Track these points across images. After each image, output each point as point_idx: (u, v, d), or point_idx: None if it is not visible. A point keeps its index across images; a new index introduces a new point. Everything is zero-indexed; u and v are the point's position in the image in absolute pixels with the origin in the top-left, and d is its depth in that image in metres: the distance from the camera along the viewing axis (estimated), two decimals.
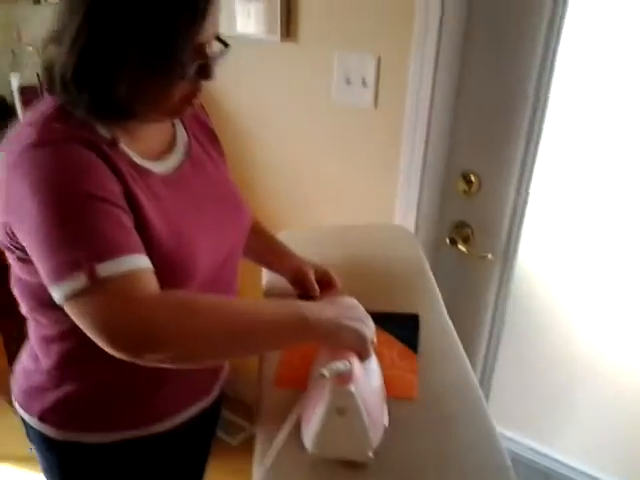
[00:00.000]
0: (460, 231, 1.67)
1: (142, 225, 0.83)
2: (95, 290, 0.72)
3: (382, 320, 1.14)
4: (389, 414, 0.90)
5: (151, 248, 0.82)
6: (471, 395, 0.98)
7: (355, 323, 0.84)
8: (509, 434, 1.82)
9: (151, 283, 0.77)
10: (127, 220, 0.80)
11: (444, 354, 1.08)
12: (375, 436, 0.82)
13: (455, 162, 1.61)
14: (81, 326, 0.73)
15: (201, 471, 1.28)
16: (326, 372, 0.75)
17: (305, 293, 1.18)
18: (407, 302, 1.22)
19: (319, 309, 0.84)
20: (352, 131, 1.68)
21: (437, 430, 0.91)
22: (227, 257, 1.01)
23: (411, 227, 1.63)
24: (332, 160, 1.76)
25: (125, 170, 0.84)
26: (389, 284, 1.28)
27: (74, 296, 0.73)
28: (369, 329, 0.86)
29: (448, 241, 1.68)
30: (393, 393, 0.97)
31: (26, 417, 1.01)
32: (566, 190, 1.51)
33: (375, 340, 0.88)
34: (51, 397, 0.97)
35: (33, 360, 0.99)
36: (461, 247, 1.65)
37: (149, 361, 0.75)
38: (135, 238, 0.79)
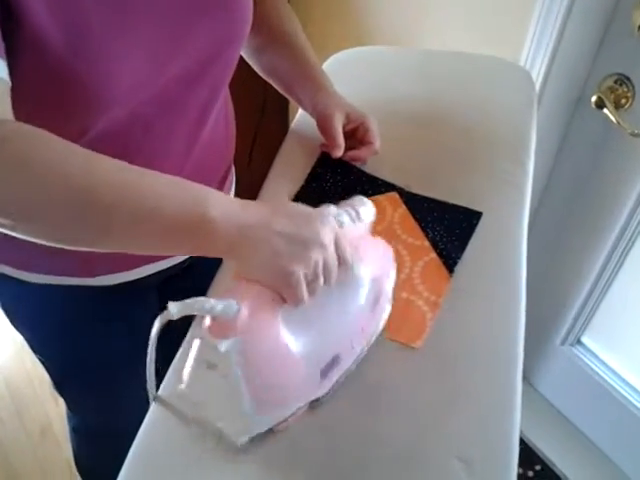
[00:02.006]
0: (614, 90, 1.14)
1: (11, 12, 0.51)
2: None
3: (423, 211, 0.78)
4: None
5: (29, 49, 0.52)
6: (504, 366, 0.63)
7: (286, 246, 0.50)
8: (605, 358, 1.45)
9: None
10: None
11: (492, 286, 0.71)
12: (265, 418, 0.53)
13: None
14: None
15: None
16: (175, 308, 0.45)
17: (327, 145, 0.83)
18: (476, 188, 0.82)
19: (240, 208, 0.52)
20: None
21: (415, 420, 0.59)
22: (186, 80, 0.66)
23: (539, 73, 1.13)
24: None
25: None
26: (462, 152, 0.87)
27: None
28: (312, 262, 0.51)
29: (593, 101, 1.16)
30: (389, 331, 0.65)
31: None
32: None
33: (332, 277, 0.53)
34: None
35: None
36: (609, 114, 1.13)
37: None
38: None
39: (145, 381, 1.00)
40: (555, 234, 1.41)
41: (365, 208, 0.58)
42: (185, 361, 0.54)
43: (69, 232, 0.51)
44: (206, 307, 0.46)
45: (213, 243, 0.51)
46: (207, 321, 0.48)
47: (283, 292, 0.51)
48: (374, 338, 0.62)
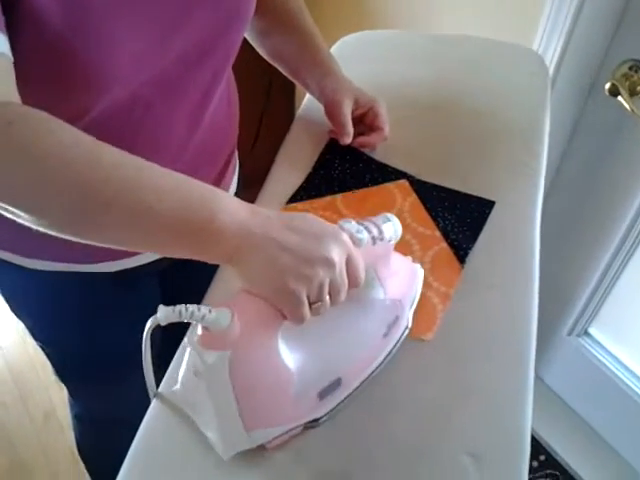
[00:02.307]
0: (629, 77, 1.11)
1: None
2: None
3: (433, 200, 0.76)
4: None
5: (28, 24, 0.50)
6: (515, 360, 0.61)
7: (290, 262, 0.47)
8: (612, 349, 1.44)
9: None
10: None
11: (505, 277, 0.69)
12: (253, 435, 0.50)
13: None
14: None
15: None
16: (163, 314, 0.43)
17: (336, 132, 0.81)
18: (489, 176, 0.80)
19: (249, 214, 0.48)
20: None
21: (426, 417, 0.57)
22: (187, 62, 0.63)
23: (552, 59, 1.11)
24: None
25: None
26: (474, 139, 0.85)
27: None
28: (316, 282, 0.47)
29: (607, 88, 1.13)
30: None
31: None
32: None
33: (339, 298, 0.50)
34: None
35: None
36: (623, 102, 1.11)
37: None
38: None
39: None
40: (564, 223, 1.39)
41: (389, 225, 0.54)
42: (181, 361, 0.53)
43: (67, 223, 0.49)
44: (196, 315, 0.43)
45: (216, 248, 0.48)
46: (199, 329, 0.46)
47: (283, 309, 0.48)
48: (387, 361, 0.59)
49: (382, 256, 0.54)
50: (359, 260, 0.50)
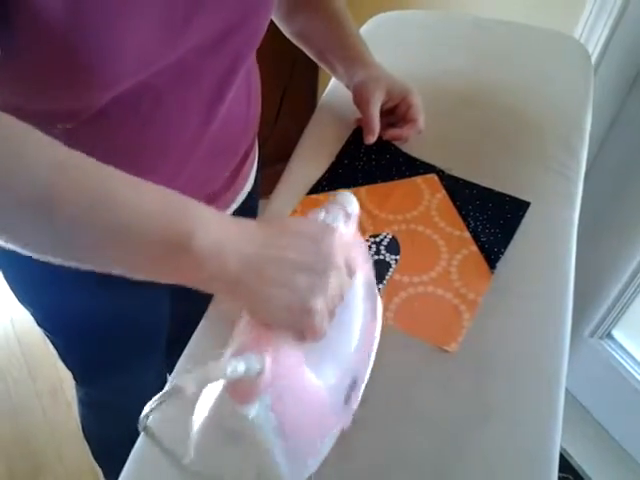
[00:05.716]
0: None
1: None
2: None
3: (464, 197, 0.71)
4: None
5: (26, 16, 0.43)
6: (545, 380, 0.57)
7: (304, 278, 0.42)
8: (635, 353, 1.38)
9: None
10: None
11: (537, 286, 0.64)
12: (298, 475, 0.46)
13: None
14: None
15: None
16: (190, 382, 0.35)
17: (362, 125, 0.76)
18: (524, 175, 0.75)
19: (238, 230, 0.43)
20: None
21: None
22: (202, 50, 0.56)
23: (595, 47, 1.04)
24: None
25: None
26: (510, 134, 0.80)
27: None
28: (331, 290, 0.43)
29: None
30: (421, 331, 0.59)
31: None
32: None
33: (345, 297, 0.46)
34: None
35: None
36: None
37: None
38: None
39: (152, 360, 0.96)
40: (595, 221, 1.33)
41: (353, 206, 0.50)
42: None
43: (27, 240, 0.43)
44: (226, 374, 0.36)
45: (197, 278, 0.42)
46: (223, 385, 0.40)
47: (305, 330, 0.43)
48: (379, 338, 0.55)
49: (351, 236, 0.51)
50: (350, 252, 0.46)
